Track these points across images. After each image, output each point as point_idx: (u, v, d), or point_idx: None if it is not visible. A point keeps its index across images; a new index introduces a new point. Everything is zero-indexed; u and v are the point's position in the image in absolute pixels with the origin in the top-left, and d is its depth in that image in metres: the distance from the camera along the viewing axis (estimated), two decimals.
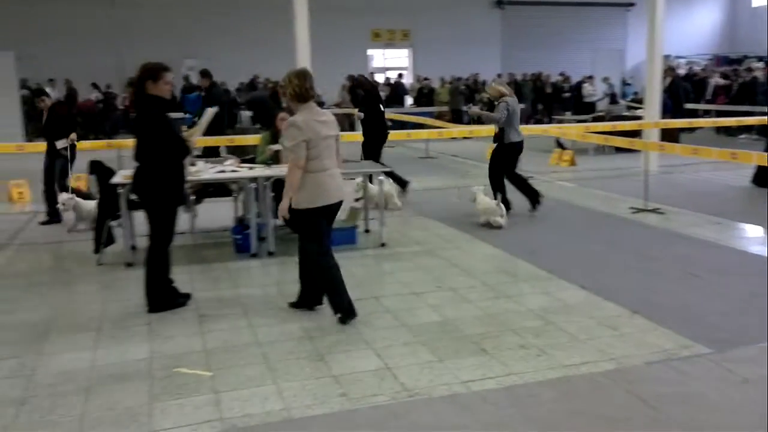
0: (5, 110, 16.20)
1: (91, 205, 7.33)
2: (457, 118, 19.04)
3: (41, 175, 8.19)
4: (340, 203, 4.68)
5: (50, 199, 7.98)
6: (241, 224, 6.56)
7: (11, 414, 3.45)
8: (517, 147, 7.93)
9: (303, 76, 4.51)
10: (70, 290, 5.49)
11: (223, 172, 6.53)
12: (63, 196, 7.51)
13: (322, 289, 4.74)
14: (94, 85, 19.81)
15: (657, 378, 3.73)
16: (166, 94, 4.78)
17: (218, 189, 7.09)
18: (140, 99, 4.69)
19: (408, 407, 3.45)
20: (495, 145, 8.00)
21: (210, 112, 5.34)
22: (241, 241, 6.38)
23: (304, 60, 9.36)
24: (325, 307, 4.91)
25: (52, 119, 8.00)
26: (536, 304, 4.96)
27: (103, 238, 6.21)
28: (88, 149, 9.56)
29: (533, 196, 8.03)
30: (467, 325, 4.57)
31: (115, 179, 6.14)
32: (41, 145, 8.35)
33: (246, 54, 20.99)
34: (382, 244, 6.67)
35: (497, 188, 7.79)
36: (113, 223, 6.33)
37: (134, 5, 20.82)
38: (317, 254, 4.63)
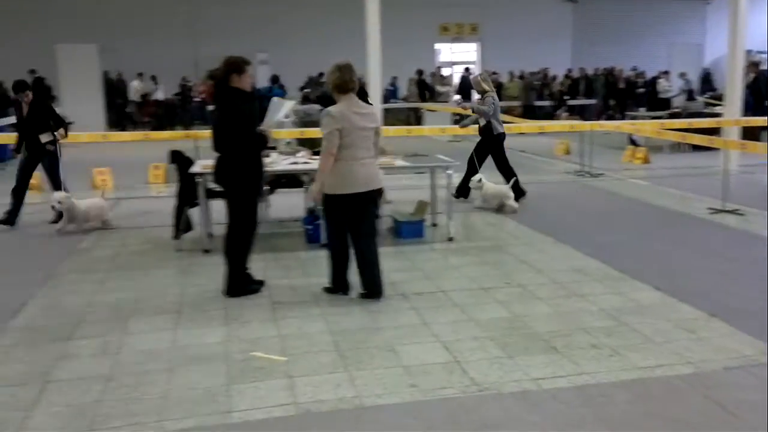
0: (89, 101, 17.00)
1: (84, 206, 7.15)
2: (528, 113, 18.78)
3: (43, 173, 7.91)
4: (373, 192, 4.88)
5: (18, 197, 7.47)
6: (312, 215, 6.70)
7: (99, 390, 3.65)
8: (503, 137, 8.62)
9: (344, 68, 4.76)
10: (151, 274, 5.74)
11: (295, 163, 6.68)
12: (58, 195, 7.11)
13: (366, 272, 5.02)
14: (153, 78, 20.35)
15: (736, 384, 3.63)
16: (248, 87, 4.93)
17: (290, 180, 7.25)
18: (224, 91, 4.85)
19: (478, 402, 3.47)
20: (480, 138, 8.67)
21: (280, 103, 5.42)
22: (312, 231, 6.52)
23: (374, 54, 9.45)
24: (394, 299, 4.99)
25: (33, 113, 7.52)
26: (608, 303, 4.88)
27: (181, 225, 6.46)
28: (167, 140, 9.96)
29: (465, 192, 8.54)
30: (537, 322, 4.54)
31: (194, 169, 6.37)
32: (124, 135, 8.71)
33: (316, 47, 21.28)
34: (450, 239, 6.69)
35: (509, 174, 8.32)
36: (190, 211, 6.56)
37: (210, 0, 21.42)
38: (331, 235, 4.98)
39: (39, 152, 7.56)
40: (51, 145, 7.57)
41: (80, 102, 16.58)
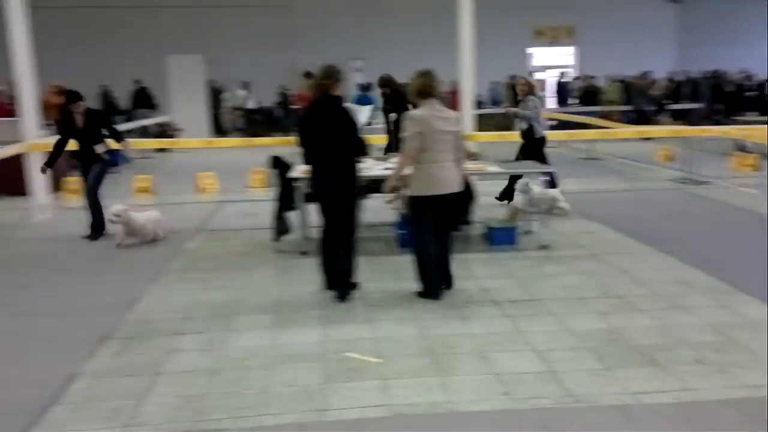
0: (195, 109, 17.90)
1: (144, 219, 7.07)
2: (629, 118, 18.13)
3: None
4: (450, 194, 5.02)
5: (95, 208, 7.39)
6: (405, 220, 6.76)
7: (204, 383, 3.86)
8: (545, 140, 8.75)
9: (427, 75, 4.99)
10: (252, 274, 5.98)
11: (389, 169, 6.77)
12: (115, 208, 6.91)
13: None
14: (244, 84, 21.01)
15: None
16: (344, 94, 5.08)
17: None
18: (325, 99, 4.98)
19: (574, 413, 3.40)
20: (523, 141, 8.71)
21: (358, 110, 5.59)
22: (405, 235, 6.57)
23: (466, 59, 9.41)
24: (487, 306, 4.97)
25: (89, 124, 7.34)
26: (714, 317, 4.65)
27: (280, 228, 6.69)
28: (267, 146, 10.36)
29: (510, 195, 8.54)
30: (637, 334, 4.39)
31: (292, 173, 6.60)
32: (227, 141, 9.06)
33: (410, 54, 21.46)
34: (544, 246, 6.57)
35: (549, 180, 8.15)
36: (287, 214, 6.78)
37: (307, 10, 22.06)
38: (416, 237, 5.12)
39: (93, 162, 7.38)
40: (106, 155, 7.40)
41: (187, 110, 17.50)
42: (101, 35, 21.04)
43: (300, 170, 6.59)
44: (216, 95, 20.23)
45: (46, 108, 11.17)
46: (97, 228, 7.44)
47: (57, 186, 9.85)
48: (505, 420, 3.37)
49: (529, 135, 8.67)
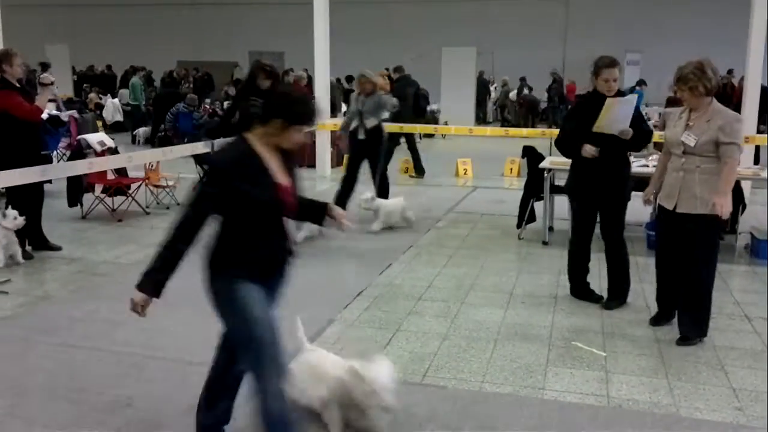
0: (463, 99, 18.66)
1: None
2: None
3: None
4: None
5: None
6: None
7: (436, 345, 4.25)
8: None
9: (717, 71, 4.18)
10: (493, 257, 6.25)
11: (646, 166, 6.53)
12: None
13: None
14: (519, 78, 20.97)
15: None
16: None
17: (637, 183, 7.05)
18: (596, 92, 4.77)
19: None
20: None
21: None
22: (653, 237, 6.30)
23: (758, 50, 8.51)
24: (737, 320, 4.64)
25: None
26: None
27: (526, 216, 6.87)
28: (525, 137, 10.53)
29: None
30: None
31: (543, 164, 6.71)
32: (487, 129, 9.43)
33: (694, 47, 19.77)
34: None
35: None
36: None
37: (583, 1, 21.50)
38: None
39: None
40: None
41: (456, 99, 18.35)
42: (387, 28, 22.88)
43: (551, 162, 6.69)
44: (484, 86, 20.83)
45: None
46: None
47: (339, 161, 11.14)
48: None
49: None
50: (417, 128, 14.38)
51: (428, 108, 17.02)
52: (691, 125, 4.19)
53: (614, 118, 4.64)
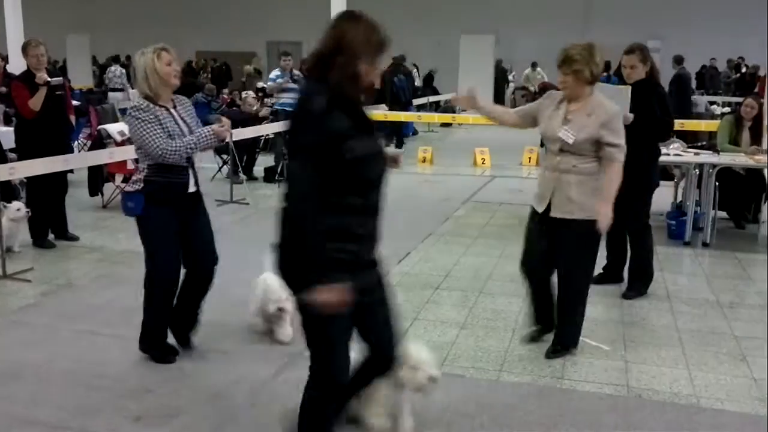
0: (481, 87, 18.46)
1: None
2: None
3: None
4: None
5: None
6: (678, 210, 6.40)
7: (454, 334, 4.24)
8: None
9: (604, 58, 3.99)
10: (510, 246, 6.15)
11: (666, 155, 6.43)
12: None
13: None
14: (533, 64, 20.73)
15: None
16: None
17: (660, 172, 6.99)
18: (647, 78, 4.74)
19: None
20: None
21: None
22: (675, 227, 6.24)
23: None
24: (755, 311, 4.57)
25: None
26: None
27: None
28: None
29: None
30: None
31: None
32: None
33: (718, 34, 19.47)
34: None
35: None
36: None
37: None
38: None
39: None
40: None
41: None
42: (404, 16, 22.72)
43: None
44: (502, 74, 20.63)
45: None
46: None
47: None
48: (752, 424, 3.17)
49: None
50: (434, 117, 14.32)
51: (436, 100, 16.93)
52: (569, 119, 3.65)
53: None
